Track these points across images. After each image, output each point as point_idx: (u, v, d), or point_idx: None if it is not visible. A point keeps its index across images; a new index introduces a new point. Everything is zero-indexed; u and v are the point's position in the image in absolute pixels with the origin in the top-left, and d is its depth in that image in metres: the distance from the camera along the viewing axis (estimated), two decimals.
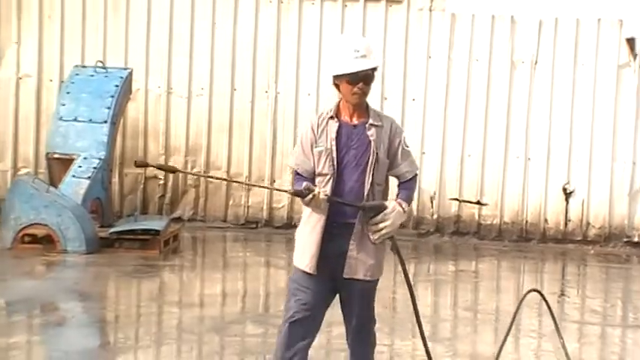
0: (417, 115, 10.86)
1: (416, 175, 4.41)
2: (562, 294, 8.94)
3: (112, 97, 10.33)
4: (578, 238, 10.86)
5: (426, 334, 5.37)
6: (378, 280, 4.34)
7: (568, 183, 10.88)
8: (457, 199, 11.03)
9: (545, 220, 10.98)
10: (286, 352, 4.28)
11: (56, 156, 10.40)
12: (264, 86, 11.01)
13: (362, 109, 4.36)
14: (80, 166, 10.04)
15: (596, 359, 6.86)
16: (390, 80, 10.84)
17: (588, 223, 10.82)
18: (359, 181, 4.32)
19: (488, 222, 11.00)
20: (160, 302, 8.29)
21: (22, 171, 11.52)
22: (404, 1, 11.18)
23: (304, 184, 4.18)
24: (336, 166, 4.29)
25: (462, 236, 11.03)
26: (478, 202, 10.93)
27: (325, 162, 4.27)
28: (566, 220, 10.96)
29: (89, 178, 10.02)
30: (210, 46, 11.36)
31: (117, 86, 10.43)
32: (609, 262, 10.49)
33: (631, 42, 10.66)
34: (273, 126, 11.02)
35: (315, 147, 4.30)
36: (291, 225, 10.69)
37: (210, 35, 11.43)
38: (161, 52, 11.35)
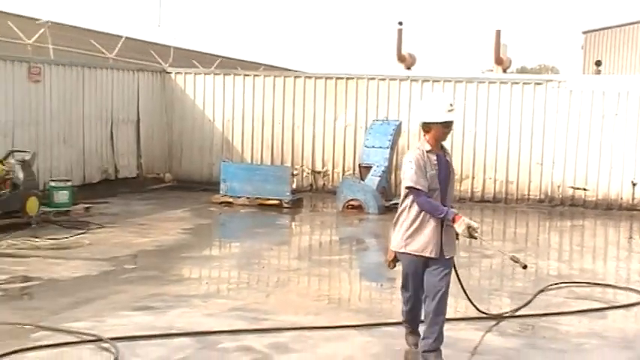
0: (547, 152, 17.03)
1: None
2: (630, 237, 14.05)
3: (391, 134, 16.00)
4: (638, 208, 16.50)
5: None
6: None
7: (635, 178, 16.65)
8: (572, 187, 17.00)
9: (621, 198, 16.72)
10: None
11: (363, 165, 15.99)
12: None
13: (440, 144, 6.32)
14: (375, 170, 15.58)
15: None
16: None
17: None
18: (448, 192, 6.30)
19: (590, 199, 16.94)
20: None
21: (347, 173, 17.58)
22: (544, 83, 17.27)
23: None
24: (439, 184, 6.20)
25: (575, 207, 16.92)
26: (584, 189, 16.93)
27: (434, 181, 6.17)
28: (633, 198, 16.71)
29: (380, 176, 15.56)
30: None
31: (393, 129, 16.13)
32: None
33: None
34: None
35: (427, 172, 6.15)
36: None
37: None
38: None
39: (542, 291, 9.17)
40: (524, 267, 6.62)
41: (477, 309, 7.89)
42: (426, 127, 6.28)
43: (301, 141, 18.56)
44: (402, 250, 6.40)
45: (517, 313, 8.38)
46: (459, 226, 6.12)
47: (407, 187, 6.24)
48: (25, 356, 6.64)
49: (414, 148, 6.39)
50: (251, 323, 7.75)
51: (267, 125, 18.81)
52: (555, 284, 9.54)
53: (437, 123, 6.19)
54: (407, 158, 6.28)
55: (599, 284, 9.89)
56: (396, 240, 6.44)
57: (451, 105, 6.22)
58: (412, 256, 6.30)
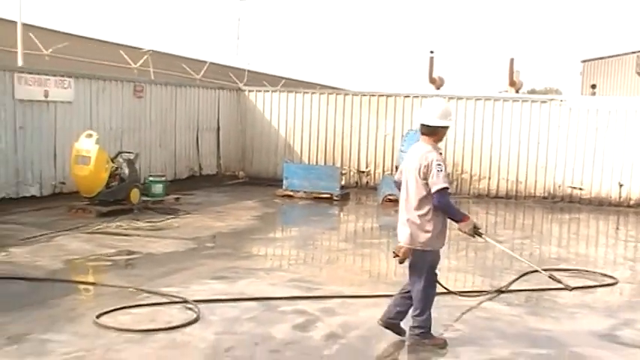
0: (550, 157, 16.85)
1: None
2: (617, 228, 13.96)
3: None
4: (625, 205, 16.26)
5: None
6: None
7: (621, 180, 16.42)
8: (571, 187, 16.83)
9: (610, 196, 16.51)
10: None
11: (400, 167, 17.83)
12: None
13: None
14: None
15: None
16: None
17: (629, 199, 16.33)
18: None
19: (585, 197, 16.70)
20: None
21: (386, 172, 17.48)
22: (548, 102, 17.25)
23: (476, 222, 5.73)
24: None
25: (572, 203, 16.74)
26: (580, 188, 16.78)
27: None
28: (619, 197, 16.49)
29: None
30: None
31: None
32: None
33: None
34: None
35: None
36: None
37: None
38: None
39: (524, 274, 8.71)
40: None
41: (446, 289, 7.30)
42: (435, 130, 5.74)
43: (349, 146, 18.63)
44: (432, 248, 5.79)
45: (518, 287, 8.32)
46: (467, 226, 5.71)
47: (442, 189, 5.57)
48: (129, 312, 6.86)
49: (429, 149, 5.69)
50: (305, 292, 7.85)
51: (322, 133, 18.97)
52: (535, 271, 8.58)
53: (447, 127, 5.82)
54: (434, 160, 5.57)
55: (578, 270, 9.53)
56: (426, 238, 5.70)
57: (451, 113, 5.98)
58: (438, 252, 5.91)
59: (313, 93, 19.45)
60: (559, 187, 17.09)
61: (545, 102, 17.43)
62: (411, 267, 5.84)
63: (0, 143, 12.66)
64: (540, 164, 17.29)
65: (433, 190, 5.56)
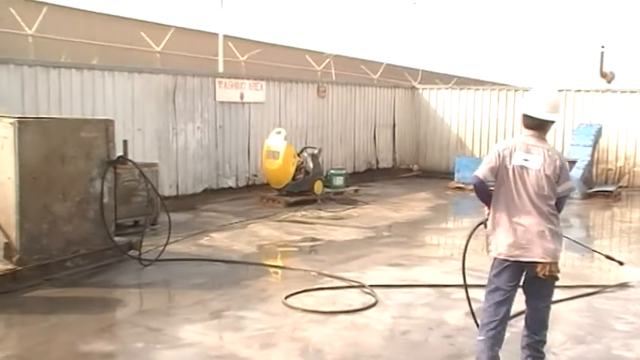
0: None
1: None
2: None
3: (593, 135, 15.21)
4: None
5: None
6: None
7: None
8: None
9: None
10: None
11: (570, 160, 13.96)
12: None
13: None
14: (579, 164, 14.35)
15: None
16: None
17: None
18: None
19: None
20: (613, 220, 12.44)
21: None
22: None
23: None
24: None
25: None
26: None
27: None
28: None
29: (583, 169, 14.47)
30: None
31: (596, 131, 15.35)
32: None
33: None
34: None
35: None
36: None
37: None
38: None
39: None
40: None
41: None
42: (544, 124, 4.64)
43: None
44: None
45: None
46: None
47: (570, 190, 4.67)
48: (312, 294, 7.01)
49: (553, 148, 4.69)
50: (476, 280, 7.61)
51: (492, 128, 18.32)
52: None
53: (553, 122, 4.69)
54: (564, 161, 4.65)
55: None
56: (562, 246, 4.68)
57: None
58: None
59: (484, 90, 18.90)
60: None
61: None
62: (549, 284, 4.61)
63: (204, 140, 13.45)
64: None
65: (565, 192, 4.61)
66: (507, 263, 4.58)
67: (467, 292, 5.30)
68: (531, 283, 4.58)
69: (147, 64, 14.45)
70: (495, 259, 4.65)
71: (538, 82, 19.69)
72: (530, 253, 4.50)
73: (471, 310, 5.28)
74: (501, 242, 4.60)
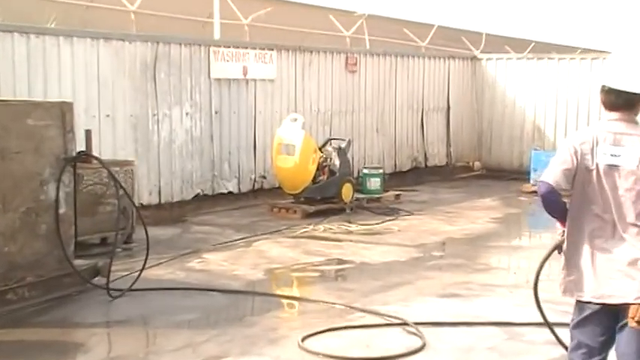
0: None
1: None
2: None
3: None
4: None
5: None
6: None
7: None
8: None
9: None
10: None
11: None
12: None
13: None
14: None
15: None
16: None
17: None
18: None
19: None
20: None
21: None
22: None
23: None
24: None
25: None
26: None
27: None
28: None
29: None
30: None
31: None
32: None
33: None
34: None
35: None
36: None
37: None
38: None
39: None
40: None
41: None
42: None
43: None
44: None
45: None
46: None
47: None
48: (339, 334, 6.99)
49: None
50: (560, 317, 7.52)
51: (582, 111, 18.13)
52: None
53: None
54: None
55: None
56: None
57: None
58: None
59: (571, 59, 18.73)
60: None
61: None
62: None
63: (195, 130, 13.52)
64: None
65: None
66: (592, 309, 4.36)
67: (551, 328, 5.27)
68: (621, 333, 4.31)
69: (118, 27, 14.52)
70: (577, 302, 4.45)
71: None
72: (620, 293, 4.23)
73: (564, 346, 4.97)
74: (580, 278, 4.38)
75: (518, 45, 25.77)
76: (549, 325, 5.29)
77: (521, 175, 17.05)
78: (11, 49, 11.03)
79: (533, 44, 26.89)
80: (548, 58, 18.98)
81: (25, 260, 7.74)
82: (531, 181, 16.04)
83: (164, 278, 8.88)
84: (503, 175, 18.04)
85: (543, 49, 25.13)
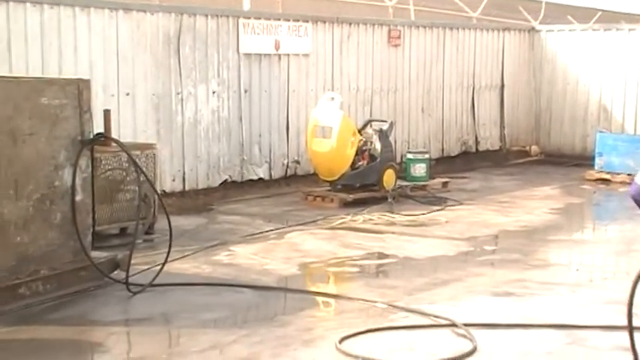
0: None
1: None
2: None
3: None
4: None
5: None
6: None
7: None
8: None
9: None
10: None
11: None
12: None
13: None
14: None
15: None
16: None
17: None
18: None
19: None
20: None
21: None
22: None
23: None
24: None
25: None
26: None
27: None
28: None
29: None
30: None
31: None
32: None
33: None
34: None
35: None
36: None
37: None
38: None
39: None
40: None
41: None
42: None
43: None
44: None
45: None
46: None
47: None
48: (380, 335, 7.00)
49: None
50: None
51: None
52: None
53: None
54: None
55: None
56: None
57: None
58: None
59: None
60: None
61: None
62: None
63: (222, 111, 13.58)
64: None
65: None
66: None
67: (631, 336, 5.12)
68: None
69: None
70: None
71: None
72: None
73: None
74: None
75: (583, 14, 25.49)
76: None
77: (584, 160, 16.99)
78: (23, 20, 11.14)
79: (599, 13, 26.54)
80: (617, 29, 18.72)
81: (39, 252, 7.82)
82: (596, 167, 15.94)
83: (188, 273, 8.93)
84: (564, 161, 17.96)
85: (611, 18, 24.80)
